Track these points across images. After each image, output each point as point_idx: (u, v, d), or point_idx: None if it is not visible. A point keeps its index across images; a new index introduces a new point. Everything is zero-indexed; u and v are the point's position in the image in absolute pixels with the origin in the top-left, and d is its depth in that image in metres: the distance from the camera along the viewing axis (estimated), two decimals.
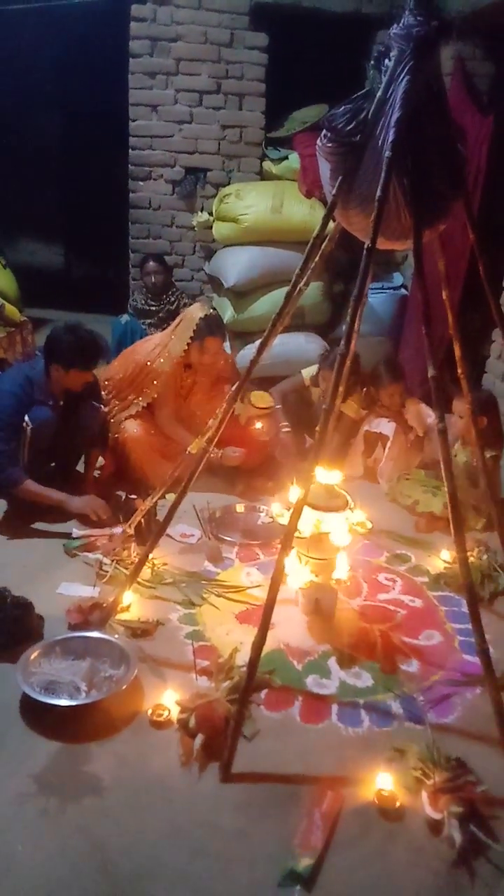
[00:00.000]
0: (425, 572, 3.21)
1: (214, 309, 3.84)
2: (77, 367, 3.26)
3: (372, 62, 2.20)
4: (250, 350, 4.92)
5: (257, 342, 2.45)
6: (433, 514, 3.56)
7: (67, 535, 3.19)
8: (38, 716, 2.17)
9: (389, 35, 2.09)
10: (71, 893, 1.71)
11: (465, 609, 2.82)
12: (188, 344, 3.61)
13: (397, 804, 1.97)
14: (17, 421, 3.22)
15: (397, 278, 5.50)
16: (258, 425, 3.92)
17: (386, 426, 4.05)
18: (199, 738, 2.12)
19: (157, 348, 3.70)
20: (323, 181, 2.37)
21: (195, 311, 3.65)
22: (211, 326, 3.64)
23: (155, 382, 3.67)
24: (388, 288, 5.38)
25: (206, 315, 3.62)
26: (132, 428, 3.67)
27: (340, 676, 2.51)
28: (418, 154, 2.09)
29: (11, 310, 5.08)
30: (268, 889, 1.75)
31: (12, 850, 1.79)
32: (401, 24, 2.06)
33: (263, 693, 2.38)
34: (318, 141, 2.25)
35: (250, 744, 2.17)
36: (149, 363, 3.68)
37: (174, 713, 2.22)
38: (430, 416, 3.90)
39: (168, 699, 2.26)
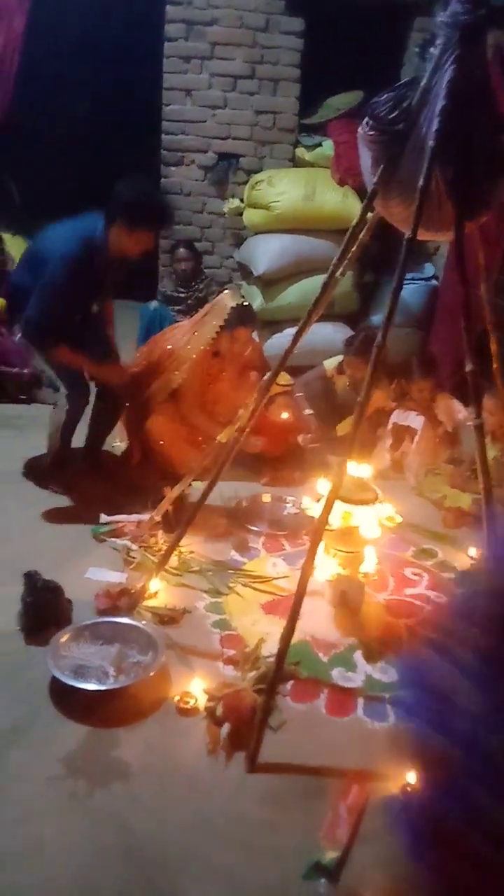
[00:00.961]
0: (452, 568, 3.19)
1: (244, 297, 3.81)
2: (142, 227, 3.06)
3: (416, 49, 2.17)
4: (279, 339, 4.89)
5: (286, 331, 2.45)
6: (461, 509, 3.53)
7: (96, 521, 3.20)
8: (67, 699, 2.19)
9: (435, 22, 2.05)
10: (97, 877, 1.72)
11: None
12: (217, 332, 3.60)
13: None
14: (69, 290, 3.08)
15: (428, 269, 5.43)
16: (284, 415, 3.91)
17: (415, 419, 4.01)
18: (226, 727, 2.13)
19: (186, 335, 3.69)
20: (363, 169, 2.34)
21: (227, 300, 3.63)
22: (242, 317, 3.62)
23: (180, 369, 3.66)
24: (419, 279, 5.32)
25: (238, 304, 3.60)
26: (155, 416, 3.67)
27: (366, 670, 2.50)
28: (462, 144, 2.06)
29: None
30: (293, 881, 1.75)
31: (41, 832, 1.81)
32: (447, 12, 2.03)
33: (289, 684, 2.39)
34: (360, 128, 2.23)
35: (276, 734, 2.17)
36: (175, 348, 3.67)
37: (201, 701, 2.23)
38: (461, 411, 3.86)
39: (195, 687, 2.27)
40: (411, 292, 5.17)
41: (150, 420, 3.66)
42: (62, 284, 3.05)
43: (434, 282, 5.33)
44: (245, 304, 3.69)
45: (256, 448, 3.78)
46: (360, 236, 2.38)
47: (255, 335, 3.95)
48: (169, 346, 3.70)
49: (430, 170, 2.03)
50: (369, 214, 2.36)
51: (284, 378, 3.87)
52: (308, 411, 4.21)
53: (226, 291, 3.83)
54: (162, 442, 3.66)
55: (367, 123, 2.18)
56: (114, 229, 3.05)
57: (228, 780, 2.01)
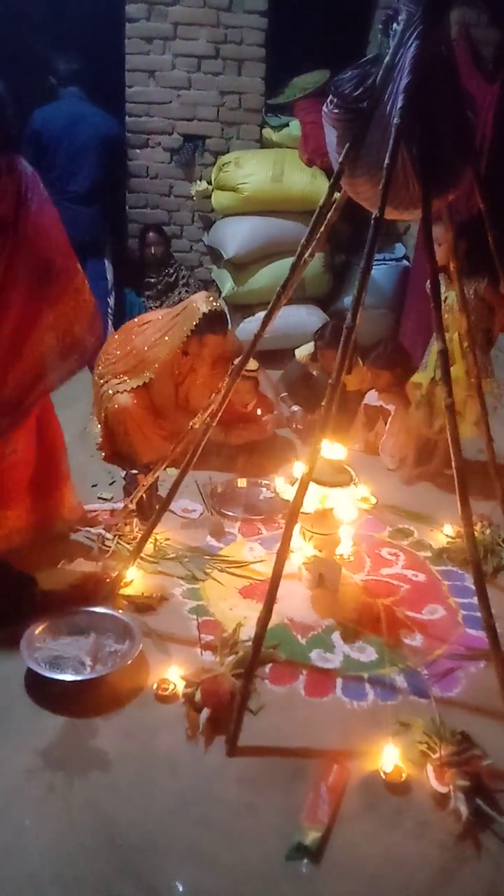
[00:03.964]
0: (428, 547, 3.20)
1: (217, 301, 3.73)
2: None
3: (380, 26, 2.14)
4: (251, 323, 4.87)
5: (258, 315, 2.44)
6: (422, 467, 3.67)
7: None
8: (43, 691, 2.18)
9: None
10: (78, 868, 1.72)
11: (467, 583, 2.84)
12: (187, 336, 3.58)
13: (403, 778, 1.98)
14: None
15: (399, 249, 5.42)
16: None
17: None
18: (205, 713, 2.12)
19: (157, 334, 3.65)
20: (329, 148, 2.31)
21: (199, 304, 3.58)
22: (213, 324, 3.58)
23: (149, 369, 3.63)
24: (390, 259, 5.31)
25: (209, 311, 3.56)
26: (122, 400, 3.62)
27: (344, 650, 2.51)
28: (428, 121, 2.04)
29: None
30: (275, 862, 1.76)
31: (20, 825, 1.80)
32: None
33: (268, 667, 2.39)
34: (325, 107, 2.19)
35: (255, 718, 2.17)
36: (146, 348, 3.65)
37: (179, 688, 2.22)
38: None
39: (173, 674, 2.26)
40: (383, 273, 5.16)
41: (113, 404, 3.62)
42: None
43: (405, 262, 5.32)
44: (216, 308, 3.64)
45: (242, 439, 3.79)
46: (328, 217, 2.36)
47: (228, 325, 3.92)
48: (139, 346, 3.67)
49: (395, 147, 2.00)
50: (336, 194, 2.33)
51: (251, 364, 3.85)
52: (283, 395, 4.22)
53: (199, 294, 3.78)
54: (122, 426, 3.63)
55: (330, 102, 2.14)
56: None
57: (209, 764, 2.01)
